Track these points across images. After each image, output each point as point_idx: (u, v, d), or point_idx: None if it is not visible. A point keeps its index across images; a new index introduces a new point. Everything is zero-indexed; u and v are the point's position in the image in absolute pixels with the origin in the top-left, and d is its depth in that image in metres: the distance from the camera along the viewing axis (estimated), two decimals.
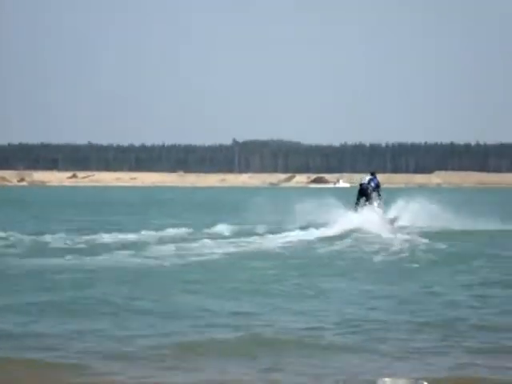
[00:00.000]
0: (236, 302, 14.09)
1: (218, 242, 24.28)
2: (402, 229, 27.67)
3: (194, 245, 23.66)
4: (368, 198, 29.88)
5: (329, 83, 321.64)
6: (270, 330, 11.43)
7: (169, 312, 13.03)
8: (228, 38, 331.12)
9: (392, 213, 30.15)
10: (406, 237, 25.36)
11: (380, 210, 29.96)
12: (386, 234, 26.26)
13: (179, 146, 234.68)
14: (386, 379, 8.32)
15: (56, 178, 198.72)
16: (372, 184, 30.19)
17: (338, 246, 23.79)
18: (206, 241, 24.58)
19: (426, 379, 8.43)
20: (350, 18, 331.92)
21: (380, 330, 11.63)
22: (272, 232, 27.01)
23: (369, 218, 28.36)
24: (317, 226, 27.56)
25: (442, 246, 23.59)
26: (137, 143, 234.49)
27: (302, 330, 11.60)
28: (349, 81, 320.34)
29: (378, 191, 30.29)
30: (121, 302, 13.90)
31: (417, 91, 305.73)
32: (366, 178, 30.71)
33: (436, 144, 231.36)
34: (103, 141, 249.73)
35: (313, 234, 26.38)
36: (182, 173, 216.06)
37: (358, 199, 30.13)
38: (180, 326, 11.91)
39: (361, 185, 30.54)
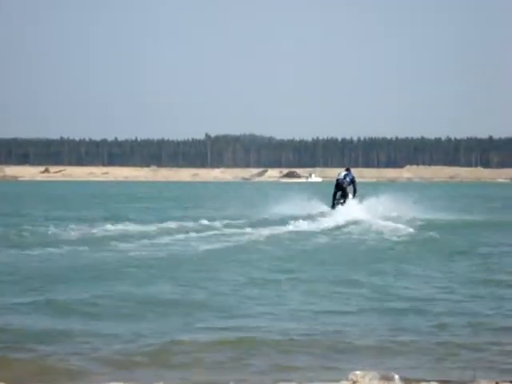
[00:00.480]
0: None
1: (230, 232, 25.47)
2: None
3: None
4: (344, 192, 32.45)
5: (301, 78, 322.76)
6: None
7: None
8: (201, 31, 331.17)
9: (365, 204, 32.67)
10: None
11: (355, 202, 32.43)
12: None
13: (152, 140, 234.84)
14: (358, 372, 8.41)
15: (28, 172, 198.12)
16: (347, 179, 32.60)
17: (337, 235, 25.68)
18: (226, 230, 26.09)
19: (396, 371, 8.59)
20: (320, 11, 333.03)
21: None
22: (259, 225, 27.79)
23: (350, 211, 30.94)
24: (304, 219, 29.17)
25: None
26: (109, 138, 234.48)
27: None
28: (321, 75, 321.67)
29: (354, 185, 32.78)
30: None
31: (388, 86, 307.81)
32: (342, 173, 33.15)
33: (407, 139, 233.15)
34: (75, 135, 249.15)
35: (310, 226, 27.85)
36: (154, 167, 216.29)
37: (335, 193, 32.67)
38: None
39: (337, 180, 32.85)
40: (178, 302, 13.53)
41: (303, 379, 8.54)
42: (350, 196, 32.51)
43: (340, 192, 32.49)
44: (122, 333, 11.07)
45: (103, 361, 9.71)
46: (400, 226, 27.30)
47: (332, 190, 32.92)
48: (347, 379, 8.28)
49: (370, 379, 8.26)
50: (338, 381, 8.30)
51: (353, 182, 32.73)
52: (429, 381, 8.38)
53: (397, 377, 8.40)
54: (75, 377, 9.15)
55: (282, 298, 13.97)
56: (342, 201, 32.39)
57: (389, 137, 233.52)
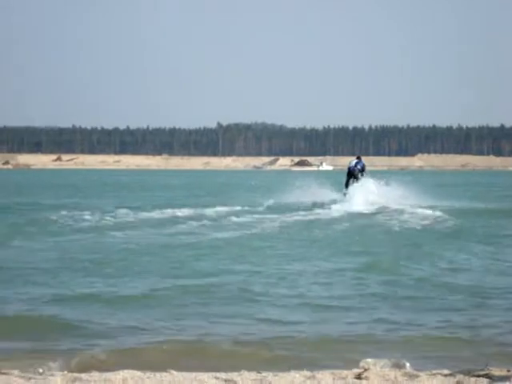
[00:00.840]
0: None
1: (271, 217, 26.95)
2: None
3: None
4: (355, 179, 34.74)
5: (313, 66, 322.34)
6: None
7: None
8: (214, 21, 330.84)
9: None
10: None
11: (367, 187, 34.23)
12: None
13: (164, 129, 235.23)
14: (369, 360, 8.40)
15: (40, 160, 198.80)
16: (358, 166, 34.99)
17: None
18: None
19: (407, 359, 8.57)
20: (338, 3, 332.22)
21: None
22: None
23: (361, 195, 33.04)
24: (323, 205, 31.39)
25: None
26: (121, 126, 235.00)
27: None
28: (332, 64, 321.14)
29: (363, 173, 35.04)
30: None
31: (399, 74, 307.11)
32: (353, 161, 35.52)
33: (418, 127, 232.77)
34: (87, 124, 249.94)
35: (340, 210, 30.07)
36: (166, 156, 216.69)
37: (347, 180, 34.91)
38: None
39: (349, 168, 35.33)
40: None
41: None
42: (361, 183, 34.62)
43: (352, 179, 34.71)
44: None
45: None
46: (428, 211, 28.82)
47: (344, 179, 35.07)
48: (358, 367, 8.27)
49: (382, 367, 8.27)
50: (348, 368, 8.31)
51: (363, 169, 34.98)
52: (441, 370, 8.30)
53: (408, 364, 8.42)
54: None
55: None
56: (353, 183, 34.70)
57: (400, 125, 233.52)
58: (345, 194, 33.53)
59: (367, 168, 35.29)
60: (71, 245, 19.56)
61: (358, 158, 35.92)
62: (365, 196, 32.44)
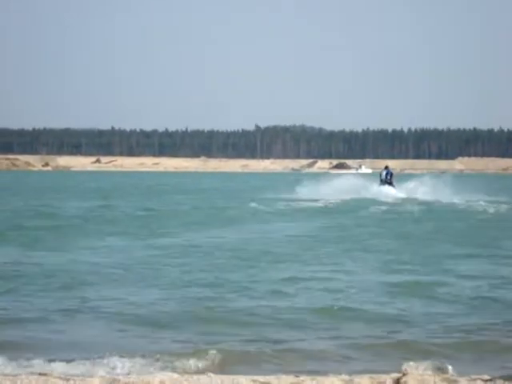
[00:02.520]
0: None
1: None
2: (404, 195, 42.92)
3: None
4: (387, 184, 45.06)
5: (352, 68, 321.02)
6: None
7: None
8: (251, 25, 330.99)
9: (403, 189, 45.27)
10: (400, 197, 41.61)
11: (393, 188, 44.88)
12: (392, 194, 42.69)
13: (202, 131, 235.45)
14: (411, 363, 8.37)
15: (80, 162, 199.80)
16: (388, 176, 45.13)
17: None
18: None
19: (450, 363, 8.46)
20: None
21: None
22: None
23: (389, 191, 43.86)
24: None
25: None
26: (160, 128, 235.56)
27: None
28: (371, 66, 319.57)
29: (391, 179, 45.25)
30: None
31: (440, 76, 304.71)
32: (383, 172, 45.73)
33: (459, 130, 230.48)
34: (127, 126, 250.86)
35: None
36: (204, 158, 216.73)
37: (380, 185, 45.14)
38: None
39: (381, 177, 45.49)
40: None
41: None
42: (391, 187, 45.06)
43: (383, 184, 45.10)
44: None
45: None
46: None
47: (378, 182, 45.62)
48: (399, 371, 8.06)
49: (424, 370, 8.18)
50: (388, 372, 8.10)
51: (391, 175, 45.23)
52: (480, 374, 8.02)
53: (450, 368, 8.26)
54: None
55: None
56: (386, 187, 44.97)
57: (440, 128, 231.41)
58: (380, 193, 43.19)
59: (405, 172, 42.58)
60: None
61: (386, 167, 46.34)
62: (393, 192, 43.36)
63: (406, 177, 53.81)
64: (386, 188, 44.03)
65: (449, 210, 33.95)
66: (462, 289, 13.77)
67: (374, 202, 38.35)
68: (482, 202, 36.19)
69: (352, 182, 46.12)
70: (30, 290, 13.51)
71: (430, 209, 34.41)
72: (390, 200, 39.97)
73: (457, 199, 38.81)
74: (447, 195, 40.51)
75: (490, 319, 11.45)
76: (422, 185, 44.69)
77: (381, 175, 45.37)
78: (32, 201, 40.94)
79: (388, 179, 44.54)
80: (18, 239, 21.30)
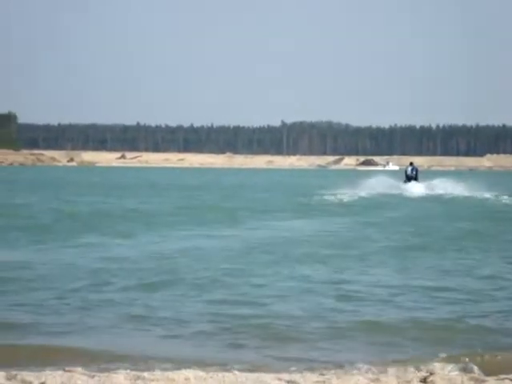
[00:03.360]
0: None
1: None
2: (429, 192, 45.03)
3: None
4: (413, 179, 47.05)
5: (379, 63, 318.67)
6: None
7: None
8: (279, 20, 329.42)
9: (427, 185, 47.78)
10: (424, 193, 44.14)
11: (419, 184, 46.99)
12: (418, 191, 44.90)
13: (227, 127, 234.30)
14: (436, 363, 8.33)
15: (105, 158, 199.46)
16: (413, 172, 47.13)
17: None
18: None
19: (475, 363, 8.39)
20: None
21: None
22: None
23: (415, 186, 46.31)
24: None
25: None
26: (185, 124, 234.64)
27: None
28: (399, 61, 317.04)
29: (417, 174, 47.30)
30: None
31: (468, 72, 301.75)
32: (409, 168, 47.74)
33: (487, 126, 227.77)
34: (152, 121, 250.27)
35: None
36: (230, 154, 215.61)
37: (405, 181, 47.31)
38: None
39: (406, 173, 47.73)
40: None
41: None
42: (416, 182, 46.95)
43: (408, 180, 46.92)
44: None
45: None
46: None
47: (403, 179, 47.73)
48: (425, 371, 8.11)
49: (449, 371, 8.10)
50: (414, 370, 8.15)
51: (417, 171, 47.24)
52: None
53: (476, 368, 8.21)
54: None
55: None
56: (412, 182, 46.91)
57: (469, 124, 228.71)
58: (406, 189, 45.26)
59: (432, 168, 43.76)
60: None
61: (411, 163, 48.78)
62: (420, 188, 45.68)
63: (434, 174, 58.50)
64: (412, 184, 45.89)
65: (469, 203, 38.65)
66: None
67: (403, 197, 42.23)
68: (487, 195, 42.16)
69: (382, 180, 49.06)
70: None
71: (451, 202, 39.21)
72: (415, 196, 42.61)
73: (478, 194, 43.13)
74: (469, 191, 44.30)
75: None
76: (446, 181, 47.26)
77: (406, 171, 47.55)
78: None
79: (413, 175, 46.57)
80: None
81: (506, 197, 41.26)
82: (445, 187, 45.96)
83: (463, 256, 17.31)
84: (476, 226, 25.00)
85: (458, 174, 52.97)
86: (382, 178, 49.03)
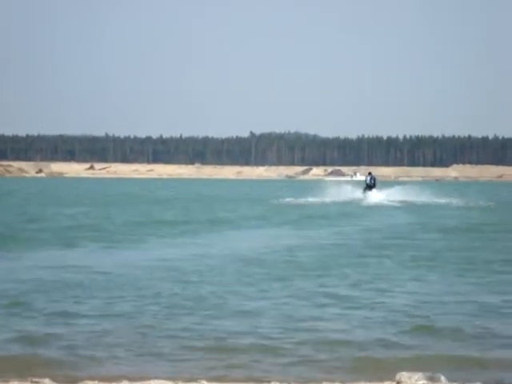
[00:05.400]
0: None
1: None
2: (386, 199, 49.82)
3: None
4: (371, 188, 51.65)
5: (346, 75, 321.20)
6: None
7: None
8: (246, 30, 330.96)
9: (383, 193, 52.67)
10: (380, 201, 48.51)
11: (378, 192, 51.76)
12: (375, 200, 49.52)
13: (196, 138, 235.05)
14: (404, 373, 8.35)
15: (73, 169, 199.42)
16: (372, 181, 51.87)
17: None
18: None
19: (442, 373, 8.44)
20: (365, 10, 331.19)
21: None
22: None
23: (374, 195, 50.99)
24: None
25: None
26: (154, 135, 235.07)
27: None
28: (365, 73, 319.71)
29: (375, 182, 52.16)
30: None
31: (434, 84, 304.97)
32: (368, 177, 52.41)
33: (453, 137, 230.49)
34: (120, 133, 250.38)
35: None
36: (198, 165, 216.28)
37: (365, 188, 51.98)
38: None
39: (366, 182, 52.60)
40: None
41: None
42: (374, 190, 51.68)
43: (368, 188, 51.72)
44: None
45: None
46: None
47: (362, 187, 52.67)
48: (393, 379, 8.21)
49: (416, 380, 8.17)
50: (381, 381, 8.24)
51: (375, 180, 52.11)
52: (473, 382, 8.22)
53: (443, 378, 8.27)
54: None
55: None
56: (370, 190, 51.64)
57: (435, 135, 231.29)
58: (364, 196, 50.51)
59: (400, 179, 47.23)
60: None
61: (370, 173, 52.98)
62: (378, 196, 50.59)
63: (399, 184, 59.73)
64: (372, 192, 51.05)
65: (415, 206, 45.46)
66: None
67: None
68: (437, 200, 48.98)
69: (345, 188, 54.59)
70: None
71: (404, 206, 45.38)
72: (374, 201, 48.28)
73: (425, 199, 49.62)
74: (420, 197, 50.48)
75: None
76: (401, 189, 53.13)
77: (366, 180, 52.52)
78: None
79: (372, 183, 51.46)
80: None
81: (454, 201, 48.93)
82: (402, 194, 51.47)
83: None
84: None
85: (423, 184, 57.67)
86: (346, 186, 54.74)
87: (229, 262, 17.79)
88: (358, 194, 51.68)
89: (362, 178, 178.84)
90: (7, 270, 16.23)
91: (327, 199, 49.59)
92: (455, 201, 49.48)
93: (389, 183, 60.92)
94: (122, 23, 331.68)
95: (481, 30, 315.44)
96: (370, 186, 51.41)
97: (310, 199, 49.58)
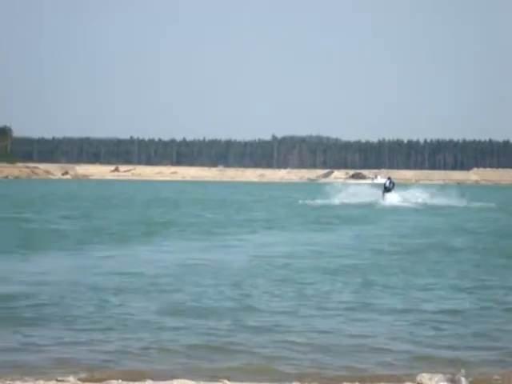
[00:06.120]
0: None
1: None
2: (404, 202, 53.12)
3: None
4: (389, 191, 55.58)
5: (368, 79, 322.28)
6: None
7: None
8: (270, 34, 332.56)
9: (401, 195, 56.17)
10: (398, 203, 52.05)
11: (395, 195, 55.32)
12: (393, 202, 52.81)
13: (219, 140, 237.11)
14: (424, 374, 8.32)
15: (99, 171, 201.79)
16: (391, 185, 55.77)
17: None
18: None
19: (463, 374, 8.43)
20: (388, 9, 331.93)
21: None
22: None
23: (392, 196, 54.68)
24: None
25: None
26: (178, 138, 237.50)
27: None
28: (387, 77, 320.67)
29: (393, 186, 55.96)
30: None
31: (456, 88, 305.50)
32: (387, 182, 56.58)
33: (474, 141, 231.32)
34: (145, 135, 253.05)
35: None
36: (221, 167, 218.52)
37: (384, 191, 55.72)
38: None
39: (384, 185, 56.47)
40: None
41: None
42: (392, 193, 55.27)
43: (386, 191, 55.45)
44: None
45: None
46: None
47: (382, 190, 56.03)
48: (413, 381, 8.25)
49: (437, 381, 8.19)
50: (402, 381, 8.31)
51: (393, 184, 55.91)
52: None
53: (463, 379, 8.25)
54: None
55: None
56: (388, 192, 55.49)
57: (456, 139, 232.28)
58: (383, 198, 53.97)
59: (420, 182, 49.25)
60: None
61: (389, 178, 57.45)
62: (396, 198, 53.84)
63: (419, 187, 63.17)
64: (389, 194, 54.87)
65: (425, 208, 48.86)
66: None
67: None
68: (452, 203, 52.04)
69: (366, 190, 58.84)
70: None
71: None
72: (392, 203, 52.10)
73: (437, 202, 52.87)
74: (433, 200, 53.69)
75: None
76: (416, 192, 56.34)
77: (385, 184, 56.62)
78: None
79: (390, 187, 55.51)
80: None
81: (474, 203, 51.97)
82: (418, 196, 54.90)
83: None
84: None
85: (444, 188, 58.16)
86: (367, 188, 59.44)
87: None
88: (377, 196, 55.35)
89: (383, 180, 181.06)
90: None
91: (347, 200, 53.39)
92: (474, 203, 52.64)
93: (409, 186, 62.99)
94: (146, 24, 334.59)
95: (503, 32, 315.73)
96: (388, 189, 55.54)
97: (336, 201, 53.75)
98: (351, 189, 57.62)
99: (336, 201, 53.37)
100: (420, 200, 53.71)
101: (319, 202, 52.81)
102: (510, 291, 14.44)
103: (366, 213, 42.61)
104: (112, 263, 17.90)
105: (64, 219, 33.12)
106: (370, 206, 49.66)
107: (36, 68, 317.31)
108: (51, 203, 49.32)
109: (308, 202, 53.61)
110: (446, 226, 31.74)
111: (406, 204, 51.36)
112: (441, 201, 53.08)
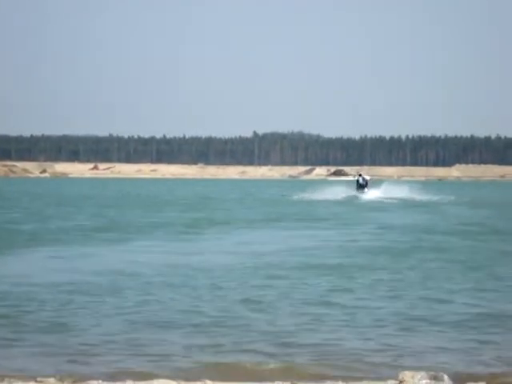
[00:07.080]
0: None
1: None
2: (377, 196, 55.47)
3: None
4: (363, 188, 57.67)
5: (349, 75, 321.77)
6: None
7: None
8: (246, 30, 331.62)
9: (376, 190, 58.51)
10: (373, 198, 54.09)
11: (374, 190, 57.43)
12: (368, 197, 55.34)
13: (200, 138, 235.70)
14: (407, 372, 8.38)
15: (77, 169, 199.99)
16: (364, 181, 57.79)
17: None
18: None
19: (445, 372, 8.45)
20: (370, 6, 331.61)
21: None
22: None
23: (371, 192, 56.86)
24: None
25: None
26: (158, 135, 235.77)
27: None
28: (369, 73, 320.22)
29: (367, 183, 58.16)
30: None
31: (437, 84, 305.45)
32: (360, 178, 58.24)
33: (456, 137, 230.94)
34: (124, 133, 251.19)
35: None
36: (202, 165, 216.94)
37: (357, 187, 57.98)
38: None
39: (358, 182, 58.01)
40: None
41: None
42: (366, 189, 57.48)
43: (360, 187, 57.49)
44: None
45: None
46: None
47: (355, 186, 58.27)
48: (396, 378, 8.26)
49: (419, 379, 8.21)
50: (385, 380, 8.30)
51: (367, 181, 58.00)
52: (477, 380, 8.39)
53: (446, 377, 8.32)
54: None
55: None
56: (363, 190, 57.42)
57: (437, 135, 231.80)
58: (356, 195, 56.12)
59: (402, 178, 52.18)
60: None
61: (360, 175, 59.21)
62: (373, 193, 56.45)
63: (402, 183, 66.17)
64: (367, 190, 57.04)
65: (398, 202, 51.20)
66: None
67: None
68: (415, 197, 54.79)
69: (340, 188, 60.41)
70: None
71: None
72: (369, 198, 54.47)
73: (406, 196, 55.97)
74: (404, 194, 56.74)
75: None
76: (388, 188, 58.94)
77: (358, 181, 58.36)
78: None
79: (364, 183, 57.61)
80: None
81: (446, 198, 54.57)
82: (395, 192, 57.37)
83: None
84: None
85: (426, 184, 63.43)
86: (340, 187, 60.51)
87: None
88: (352, 192, 57.63)
89: (366, 177, 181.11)
90: None
91: (328, 197, 55.33)
92: (448, 198, 55.64)
93: (394, 182, 67.86)
94: (124, 22, 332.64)
95: (483, 29, 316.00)
96: (362, 185, 57.69)
97: (314, 197, 55.42)
98: (331, 186, 60.46)
99: (315, 197, 55.27)
100: (399, 195, 55.99)
101: (296, 197, 55.65)
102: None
103: (346, 210, 43.20)
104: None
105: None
106: (349, 202, 51.22)
107: (14, 66, 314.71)
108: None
109: (292, 197, 56.59)
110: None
111: (386, 200, 52.83)
112: (398, 194, 56.40)
